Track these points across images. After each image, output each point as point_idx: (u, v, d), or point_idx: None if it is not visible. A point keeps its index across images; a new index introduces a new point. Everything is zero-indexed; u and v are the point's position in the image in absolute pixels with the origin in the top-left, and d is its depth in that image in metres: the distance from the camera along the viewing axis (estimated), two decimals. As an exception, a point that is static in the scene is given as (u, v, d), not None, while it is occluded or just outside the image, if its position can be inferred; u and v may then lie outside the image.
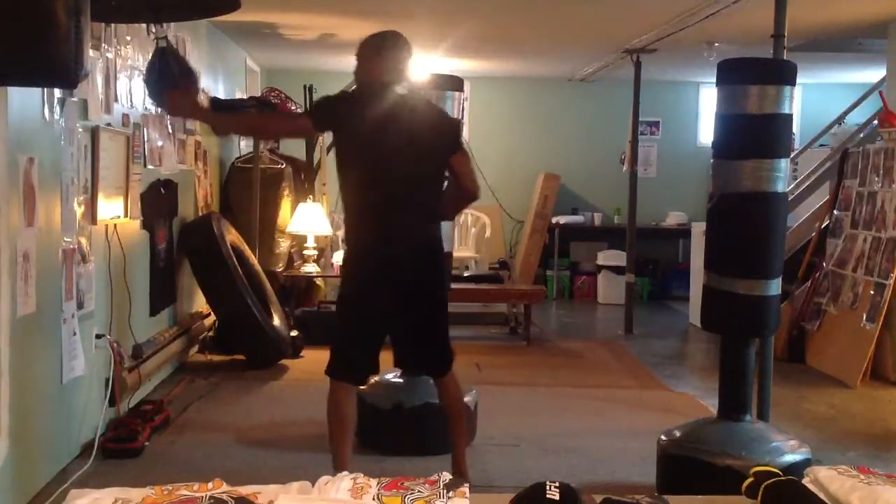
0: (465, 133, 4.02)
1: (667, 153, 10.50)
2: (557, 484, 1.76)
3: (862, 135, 7.85)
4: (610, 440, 4.66)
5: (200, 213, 6.51)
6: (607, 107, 10.15)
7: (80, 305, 4.11)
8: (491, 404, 4.94)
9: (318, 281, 7.71)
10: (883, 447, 4.75)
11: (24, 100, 3.47)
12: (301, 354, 6.46)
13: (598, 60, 8.68)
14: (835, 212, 7.01)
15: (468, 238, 9.58)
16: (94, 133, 4.30)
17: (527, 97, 10.36)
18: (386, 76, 3.61)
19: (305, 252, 7.12)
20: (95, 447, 4.13)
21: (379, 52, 3.63)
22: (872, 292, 6.15)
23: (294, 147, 8.11)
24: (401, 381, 4.49)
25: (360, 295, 3.62)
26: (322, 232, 7.30)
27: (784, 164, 3.63)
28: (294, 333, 6.50)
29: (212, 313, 6.40)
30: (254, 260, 6.68)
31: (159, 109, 4.98)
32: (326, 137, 8.02)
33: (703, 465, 3.47)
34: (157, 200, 5.44)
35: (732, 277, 3.64)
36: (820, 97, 10.10)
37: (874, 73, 8.31)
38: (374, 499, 1.72)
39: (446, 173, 3.71)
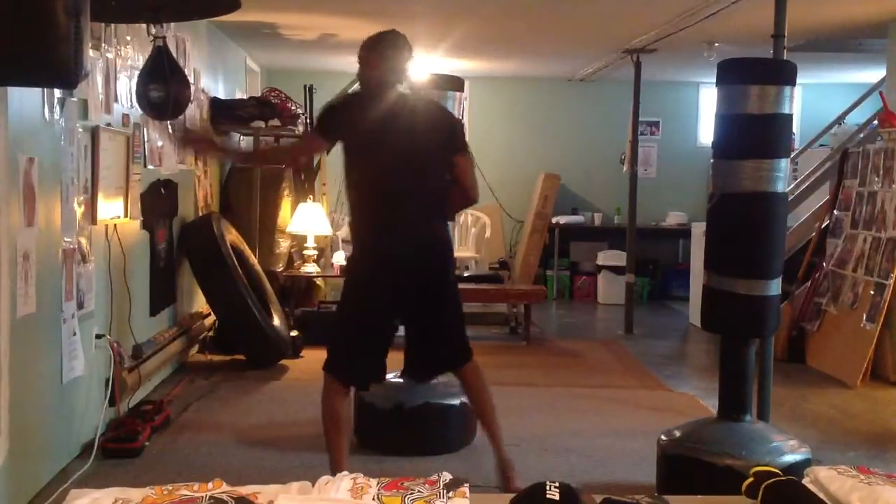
0: (466, 133, 4.02)
1: (667, 153, 10.50)
2: (557, 484, 1.76)
3: (862, 135, 7.84)
4: (610, 440, 4.66)
5: (200, 213, 6.51)
6: (607, 107, 10.15)
7: (80, 305, 4.11)
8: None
9: (318, 281, 7.71)
10: (883, 447, 4.75)
11: (24, 100, 3.47)
12: (301, 354, 6.46)
13: (598, 60, 8.68)
14: (835, 212, 7.01)
15: (468, 238, 9.57)
16: (94, 133, 4.30)
17: (527, 97, 10.36)
18: (388, 76, 3.63)
19: (305, 252, 7.12)
20: (95, 447, 4.13)
21: (380, 52, 3.65)
22: (872, 292, 6.15)
23: (294, 147, 8.11)
24: (401, 380, 4.48)
25: (366, 293, 3.61)
26: (322, 232, 7.29)
27: (784, 164, 3.63)
28: (294, 333, 6.50)
29: (212, 313, 6.40)
30: (254, 260, 6.68)
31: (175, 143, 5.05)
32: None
33: (703, 465, 3.47)
34: (157, 200, 5.44)
35: (732, 277, 3.63)
36: (820, 97, 10.10)
37: (874, 73, 8.31)
38: (374, 499, 1.72)
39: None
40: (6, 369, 3.24)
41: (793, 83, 3.64)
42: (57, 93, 3.76)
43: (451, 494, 1.74)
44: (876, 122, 7.12)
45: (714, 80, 3.74)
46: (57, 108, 3.79)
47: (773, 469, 1.99)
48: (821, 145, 8.97)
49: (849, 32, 7.07)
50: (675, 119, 10.52)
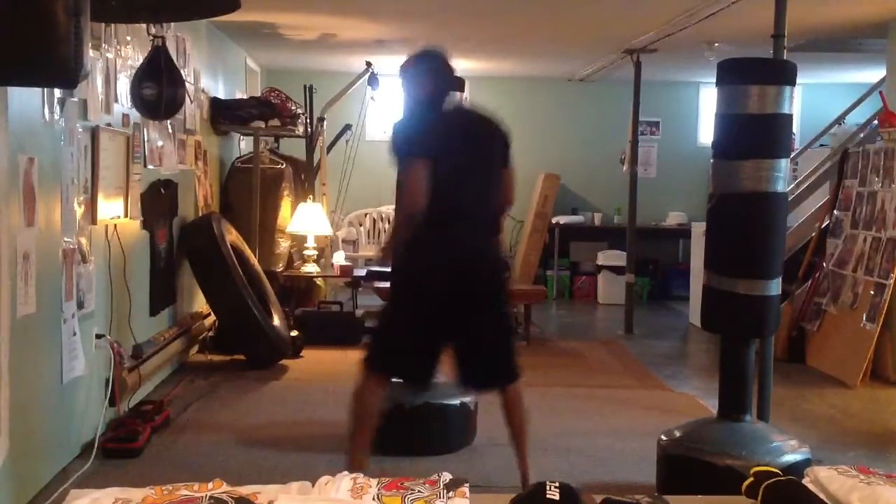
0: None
1: (667, 153, 10.50)
2: (557, 484, 1.77)
3: (862, 135, 7.85)
4: (610, 440, 4.66)
5: (200, 213, 6.51)
6: (607, 107, 10.15)
7: (80, 305, 4.10)
8: (491, 404, 4.91)
9: (318, 281, 7.71)
10: (883, 447, 4.75)
11: (24, 100, 3.47)
12: (301, 354, 6.47)
13: (598, 60, 8.68)
14: (835, 212, 7.01)
15: (468, 238, 9.56)
16: (94, 133, 4.30)
17: (527, 97, 10.36)
18: (440, 93, 3.64)
19: (305, 252, 7.12)
20: (95, 447, 4.12)
21: (433, 70, 3.63)
22: (872, 292, 6.15)
23: (294, 147, 8.11)
24: (401, 380, 4.48)
25: (425, 301, 3.54)
26: (322, 232, 7.29)
27: (784, 164, 3.63)
28: (294, 333, 6.50)
29: (212, 313, 6.40)
30: (254, 260, 6.68)
31: None
32: (327, 137, 8.06)
33: (703, 465, 3.47)
34: (157, 200, 5.44)
35: (732, 277, 3.63)
36: (820, 97, 10.10)
37: (874, 73, 8.31)
38: (374, 499, 1.72)
39: None
40: (6, 369, 3.24)
41: (793, 83, 3.64)
42: (57, 93, 3.76)
43: (451, 494, 1.74)
44: (876, 122, 7.12)
45: (714, 80, 3.74)
46: (57, 108, 3.79)
47: (773, 469, 1.99)
48: (821, 145, 8.97)
49: (849, 32, 7.07)
50: (675, 119, 10.52)
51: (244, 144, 8.22)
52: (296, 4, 6.44)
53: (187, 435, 4.61)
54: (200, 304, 6.52)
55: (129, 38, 4.79)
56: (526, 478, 3.71)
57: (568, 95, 10.33)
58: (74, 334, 4.01)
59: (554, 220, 9.81)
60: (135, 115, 4.92)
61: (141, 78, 4.45)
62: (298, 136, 7.79)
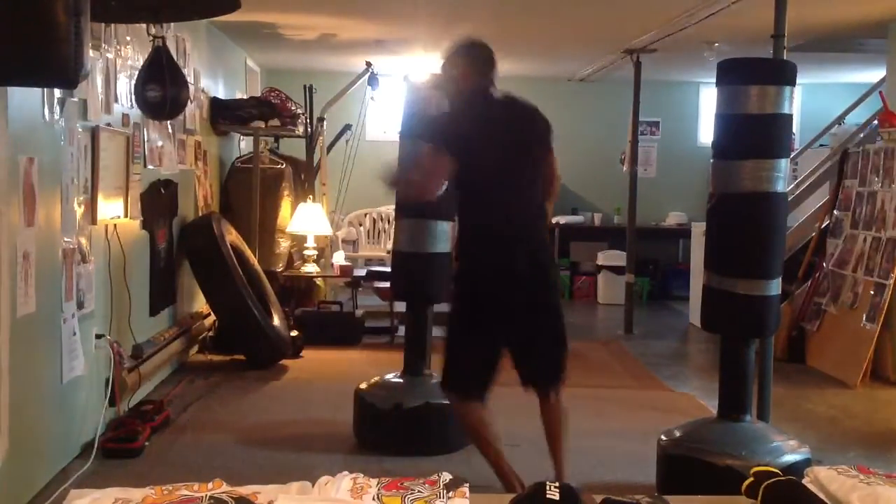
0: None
1: (667, 153, 10.50)
2: (557, 484, 1.77)
3: (862, 135, 7.85)
4: (610, 440, 4.66)
5: (200, 213, 6.51)
6: (607, 107, 10.15)
7: (80, 305, 4.10)
8: (491, 404, 4.92)
9: (318, 281, 7.71)
10: (883, 447, 4.75)
11: (24, 100, 3.47)
12: (301, 354, 6.47)
13: (598, 60, 8.68)
14: (835, 212, 7.01)
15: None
16: (94, 133, 4.30)
17: (527, 97, 10.32)
18: (482, 83, 3.60)
19: (305, 252, 7.12)
20: (95, 447, 4.12)
21: (473, 60, 3.60)
22: (872, 292, 6.15)
23: (294, 147, 8.11)
24: (401, 380, 4.48)
25: (477, 307, 3.54)
26: (322, 232, 7.29)
27: (784, 164, 3.63)
28: (294, 333, 6.50)
29: (212, 313, 6.40)
30: (254, 260, 6.68)
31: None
32: (327, 137, 8.06)
33: (703, 465, 3.48)
34: (157, 200, 5.44)
35: (732, 277, 3.64)
36: (820, 97, 10.10)
37: (874, 73, 8.31)
38: (374, 499, 1.72)
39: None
40: (6, 369, 3.24)
41: (793, 83, 3.64)
42: (57, 93, 3.76)
43: (451, 494, 1.74)
44: (876, 122, 7.12)
45: (714, 80, 3.74)
46: (57, 108, 3.79)
47: (773, 469, 1.99)
48: (821, 145, 8.97)
49: (849, 32, 7.07)
50: (675, 119, 10.52)
51: (244, 144, 8.22)
52: (296, 4, 6.44)
53: (187, 435, 4.61)
54: (200, 304, 6.52)
55: (129, 38, 4.79)
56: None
57: (568, 95, 10.32)
58: (74, 334, 4.01)
59: (554, 220, 9.81)
60: (135, 115, 4.92)
61: (144, 80, 4.45)
62: (298, 136, 7.79)
